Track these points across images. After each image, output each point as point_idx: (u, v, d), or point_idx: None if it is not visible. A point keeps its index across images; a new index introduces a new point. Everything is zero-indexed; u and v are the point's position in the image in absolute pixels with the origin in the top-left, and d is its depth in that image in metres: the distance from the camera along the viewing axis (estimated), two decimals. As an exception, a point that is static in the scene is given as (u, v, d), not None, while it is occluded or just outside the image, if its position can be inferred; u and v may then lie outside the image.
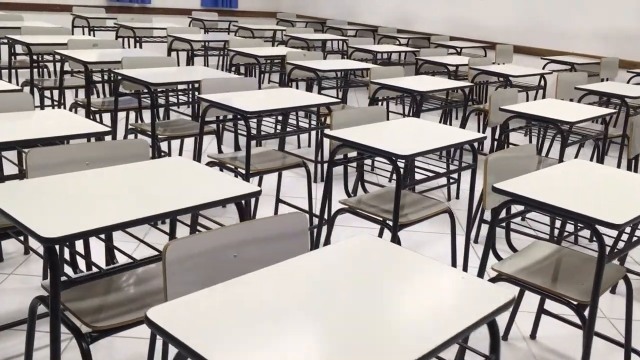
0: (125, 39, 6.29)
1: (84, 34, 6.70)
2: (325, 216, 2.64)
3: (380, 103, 3.92)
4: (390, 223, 2.32)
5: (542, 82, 5.56)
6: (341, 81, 4.69)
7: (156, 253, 1.66)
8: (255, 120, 4.31)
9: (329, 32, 7.95)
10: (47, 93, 4.76)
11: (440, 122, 4.18)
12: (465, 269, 2.79)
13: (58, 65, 5.17)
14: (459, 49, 6.65)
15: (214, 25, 7.60)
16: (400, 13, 7.92)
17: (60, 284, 1.39)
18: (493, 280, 1.95)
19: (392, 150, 2.19)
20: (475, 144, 2.67)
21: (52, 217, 1.37)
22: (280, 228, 1.41)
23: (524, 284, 1.91)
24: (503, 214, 1.97)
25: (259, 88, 3.31)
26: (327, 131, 2.45)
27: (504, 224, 2.26)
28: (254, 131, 4.48)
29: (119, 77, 3.30)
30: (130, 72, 3.25)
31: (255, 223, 1.38)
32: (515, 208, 2.47)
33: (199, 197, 1.54)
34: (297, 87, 3.66)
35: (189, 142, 4.19)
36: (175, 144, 4.28)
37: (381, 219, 2.40)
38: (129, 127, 3.44)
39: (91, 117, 3.73)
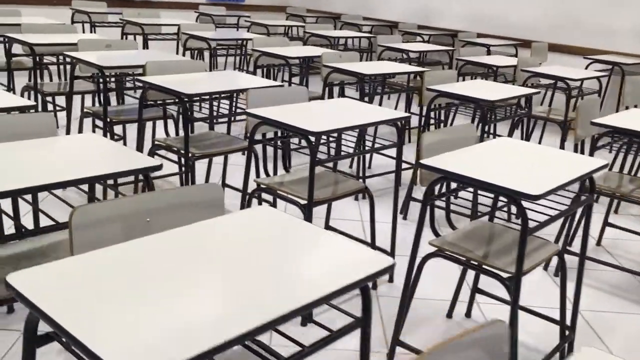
0: (130, 36, 5.79)
1: (84, 30, 6.19)
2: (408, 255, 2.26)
3: (438, 112, 3.52)
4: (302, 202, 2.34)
5: (599, 85, 5.14)
6: (377, 85, 4.25)
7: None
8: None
9: (345, 28, 7.48)
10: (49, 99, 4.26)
11: (510, 134, 3.79)
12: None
13: (62, 67, 4.71)
14: (487, 47, 6.21)
15: (221, 21, 7.11)
16: (419, 8, 7.46)
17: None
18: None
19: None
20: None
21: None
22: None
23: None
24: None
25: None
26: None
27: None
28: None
29: (146, 86, 2.83)
30: (157, 80, 2.79)
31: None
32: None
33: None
34: (332, 93, 3.32)
35: (219, 160, 3.71)
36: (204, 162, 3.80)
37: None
38: (155, 142, 2.97)
39: (108, 128, 3.26)
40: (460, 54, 4.96)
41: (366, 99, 3.70)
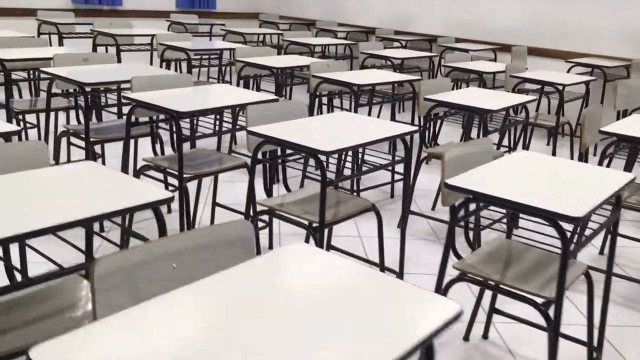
0: (101, 47, 5.55)
1: (51, 42, 5.91)
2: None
3: (434, 121, 3.40)
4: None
5: (585, 89, 5.12)
6: (367, 95, 4.12)
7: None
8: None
9: (320, 35, 7.37)
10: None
11: (500, 142, 3.72)
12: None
13: (32, 83, 4.45)
14: (467, 52, 6.16)
15: (194, 29, 6.91)
16: (395, 13, 7.39)
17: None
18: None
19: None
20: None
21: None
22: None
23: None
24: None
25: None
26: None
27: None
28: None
29: (133, 104, 2.64)
30: (146, 96, 2.61)
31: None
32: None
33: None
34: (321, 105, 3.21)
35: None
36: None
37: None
38: (144, 162, 2.78)
39: (89, 148, 3.05)
40: (446, 60, 4.88)
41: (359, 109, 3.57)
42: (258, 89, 5.25)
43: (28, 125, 4.35)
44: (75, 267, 1.69)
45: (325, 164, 2.13)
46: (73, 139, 3.74)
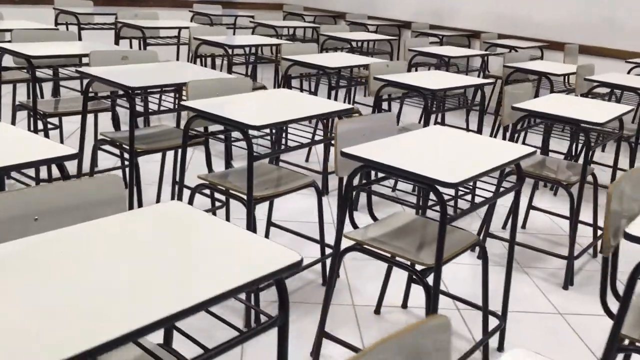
0: (125, 40, 5.14)
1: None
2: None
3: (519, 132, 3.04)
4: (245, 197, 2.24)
5: None
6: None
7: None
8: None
9: (353, 29, 6.95)
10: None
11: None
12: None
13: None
14: (511, 49, 5.76)
15: (218, 21, 6.49)
16: (431, 7, 6.97)
17: None
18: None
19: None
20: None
21: None
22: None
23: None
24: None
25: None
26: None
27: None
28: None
29: (193, 115, 2.25)
30: (201, 104, 2.24)
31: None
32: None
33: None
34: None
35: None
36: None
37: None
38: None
39: (135, 159, 2.67)
40: (506, 59, 4.48)
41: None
42: (313, 91, 4.84)
43: (50, 126, 3.97)
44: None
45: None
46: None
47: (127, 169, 3.58)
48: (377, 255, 1.92)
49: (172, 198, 3.35)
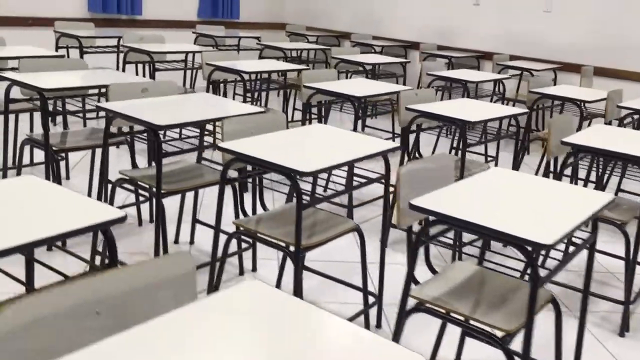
0: (130, 65, 4.94)
1: (68, 56, 5.28)
2: None
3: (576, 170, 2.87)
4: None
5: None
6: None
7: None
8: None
9: (362, 51, 6.80)
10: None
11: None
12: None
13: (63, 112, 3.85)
14: (522, 71, 5.63)
15: (221, 42, 6.31)
16: (438, 27, 6.85)
17: None
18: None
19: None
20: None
21: None
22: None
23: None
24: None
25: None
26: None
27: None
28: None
29: (232, 158, 2.06)
30: (240, 147, 2.05)
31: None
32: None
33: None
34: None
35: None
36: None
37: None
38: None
39: (161, 202, 2.46)
40: (530, 84, 4.34)
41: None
42: (321, 119, 4.64)
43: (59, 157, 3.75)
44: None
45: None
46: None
47: (140, 205, 3.38)
48: (449, 318, 1.74)
49: (192, 238, 3.15)
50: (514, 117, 3.29)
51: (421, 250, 1.95)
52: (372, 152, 2.18)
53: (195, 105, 2.70)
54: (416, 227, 3.34)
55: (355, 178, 3.70)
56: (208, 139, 4.36)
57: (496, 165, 4.72)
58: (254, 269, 2.94)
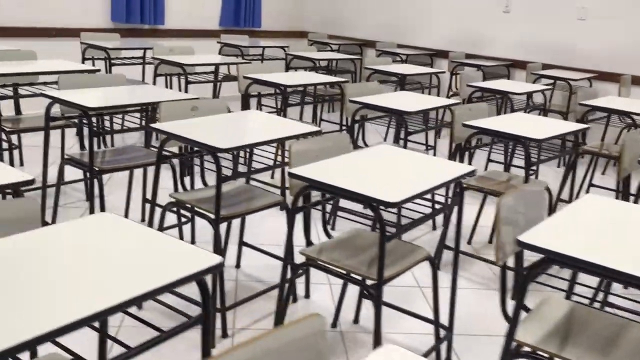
0: (160, 77, 4.82)
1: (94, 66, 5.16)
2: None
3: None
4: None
5: None
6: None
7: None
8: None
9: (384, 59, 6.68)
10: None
11: None
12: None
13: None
14: (555, 80, 5.48)
15: (245, 52, 6.19)
16: (467, 35, 6.71)
17: None
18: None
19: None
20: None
21: None
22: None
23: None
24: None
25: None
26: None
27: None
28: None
29: (307, 186, 1.93)
30: (312, 173, 1.92)
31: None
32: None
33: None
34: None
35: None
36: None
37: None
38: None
39: (218, 229, 2.33)
40: (579, 95, 4.20)
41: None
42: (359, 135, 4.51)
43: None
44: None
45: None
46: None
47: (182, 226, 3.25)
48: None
49: (238, 264, 3.01)
50: (575, 133, 3.15)
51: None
52: (450, 178, 2.04)
53: (252, 125, 2.57)
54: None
55: (423, 202, 3.62)
56: (261, 159, 4.24)
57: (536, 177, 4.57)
58: (307, 295, 2.81)
